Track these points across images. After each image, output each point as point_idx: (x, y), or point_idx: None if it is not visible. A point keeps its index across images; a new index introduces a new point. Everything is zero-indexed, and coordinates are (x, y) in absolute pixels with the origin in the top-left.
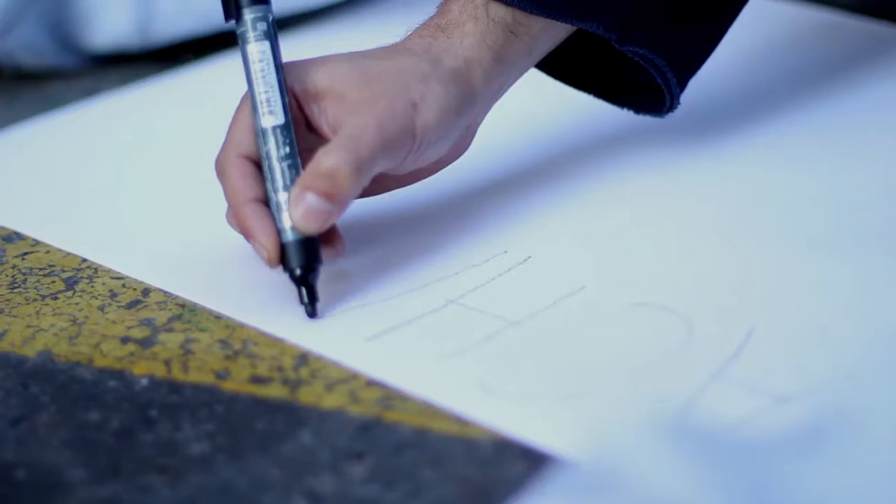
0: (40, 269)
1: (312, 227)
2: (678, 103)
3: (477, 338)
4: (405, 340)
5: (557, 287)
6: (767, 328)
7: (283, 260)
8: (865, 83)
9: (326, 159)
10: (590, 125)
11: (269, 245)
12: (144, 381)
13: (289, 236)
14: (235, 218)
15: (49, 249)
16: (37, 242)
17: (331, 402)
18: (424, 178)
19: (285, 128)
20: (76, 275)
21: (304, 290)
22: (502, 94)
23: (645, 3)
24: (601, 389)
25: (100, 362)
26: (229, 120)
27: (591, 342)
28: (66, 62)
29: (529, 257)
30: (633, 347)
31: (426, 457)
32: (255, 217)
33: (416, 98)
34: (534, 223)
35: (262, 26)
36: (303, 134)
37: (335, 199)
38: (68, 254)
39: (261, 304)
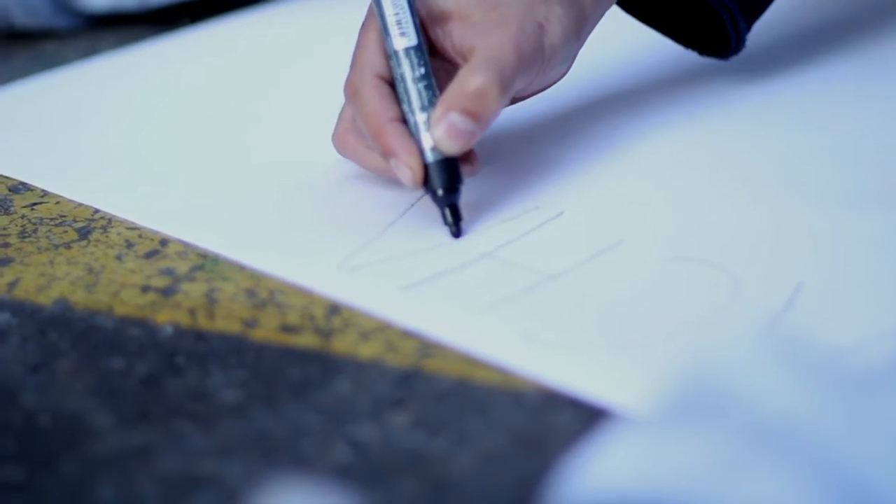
0: (51, 219)
1: (456, 147)
2: (744, 46)
3: (515, 290)
4: (440, 291)
5: (594, 242)
6: (816, 282)
7: (425, 181)
8: None
9: (473, 79)
10: (622, 77)
11: (415, 165)
12: (168, 329)
13: (429, 157)
14: (376, 139)
15: (59, 200)
16: (45, 193)
17: (367, 351)
18: (537, 92)
19: (418, 48)
20: (89, 225)
21: (447, 211)
22: (602, 16)
23: None
24: (649, 341)
25: (120, 310)
26: (228, 79)
27: (633, 296)
28: (62, 23)
29: (562, 212)
30: (678, 301)
31: (471, 406)
32: (398, 136)
33: (541, 19)
34: (565, 178)
35: None
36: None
37: (480, 117)
38: (80, 204)
39: (287, 254)
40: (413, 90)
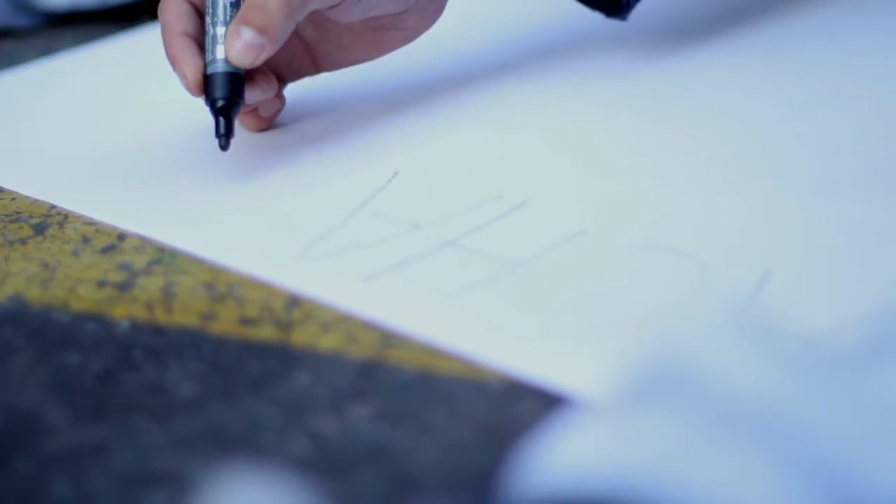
0: (6, 215)
1: (245, 60)
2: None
3: (478, 278)
4: (402, 281)
5: (558, 230)
6: (785, 269)
7: (206, 90)
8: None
9: None
10: (571, 53)
11: (190, 72)
12: (125, 324)
13: (218, 67)
14: (166, 48)
15: (14, 196)
16: (1, 189)
17: (327, 343)
18: (394, 47)
19: None
20: (45, 221)
21: (221, 121)
22: None
23: None
24: (615, 328)
25: (76, 306)
26: None
27: (599, 284)
28: (20, 22)
29: (525, 201)
30: (644, 289)
31: (433, 397)
32: (182, 48)
33: None
34: (529, 165)
35: None
36: None
37: (266, 31)
38: (35, 200)
39: (245, 247)
40: (220, 4)
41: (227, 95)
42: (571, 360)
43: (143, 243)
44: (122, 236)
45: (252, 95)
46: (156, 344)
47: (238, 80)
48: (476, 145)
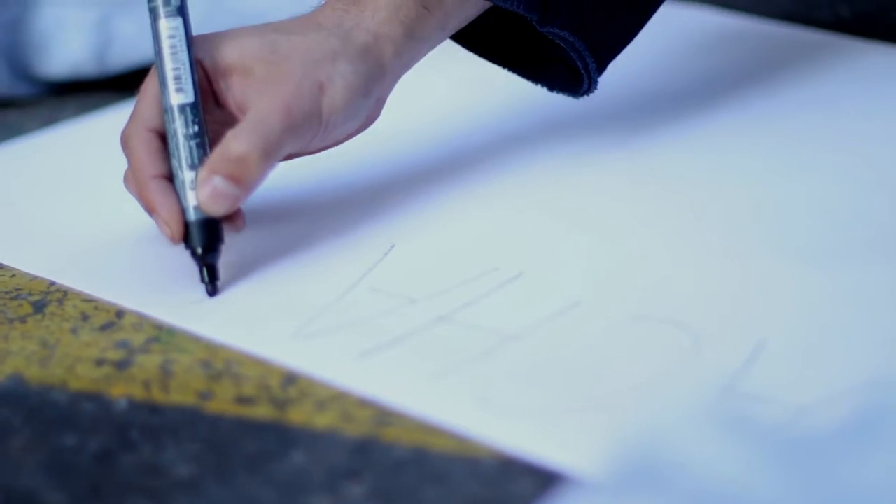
0: (6, 292)
1: (219, 210)
2: (595, 88)
3: (472, 353)
4: (397, 357)
5: (553, 302)
6: (777, 339)
7: (185, 238)
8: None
9: (235, 144)
10: (565, 125)
11: (173, 222)
12: (123, 403)
13: (192, 215)
14: (140, 193)
15: (15, 273)
16: (1, 266)
17: (322, 421)
18: (333, 146)
19: (194, 106)
20: (45, 298)
21: (205, 270)
22: (412, 66)
23: None
24: (607, 403)
25: (74, 385)
26: None
27: (593, 356)
28: (21, 90)
29: (521, 273)
30: (637, 361)
31: (427, 475)
32: (159, 193)
33: (323, 79)
34: (526, 237)
35: (175, 1)
36: (210, 108)
37: (242, 183)
38: (35, 277)
39: (243, 324)
40: (184, 147)
41: (206, 243)
42: (565, 437)
43: (141, 320)
44: (120, 313)
45: (229, 230)
46: (153, 423)
47: (214, 225)
48: (472, 217)
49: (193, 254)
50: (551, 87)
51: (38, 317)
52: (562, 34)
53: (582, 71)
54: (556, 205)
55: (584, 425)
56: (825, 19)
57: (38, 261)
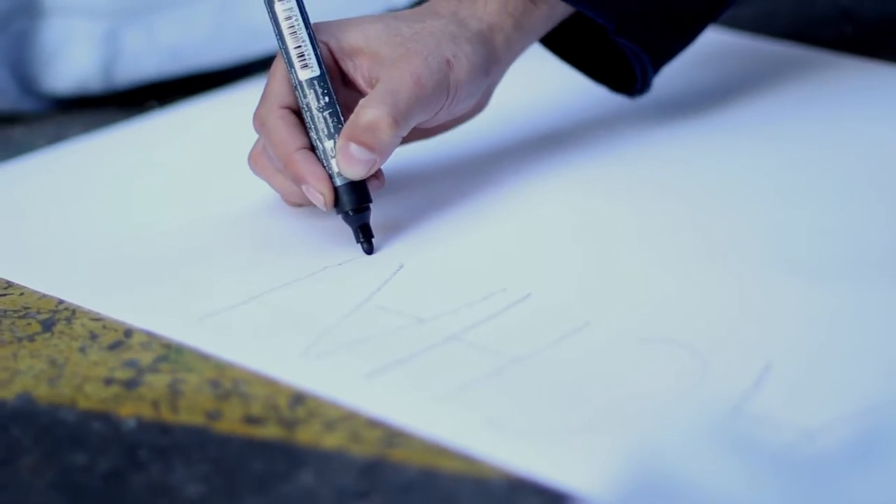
0: (15, 311)
1: (357, 174)
2: (649, 90)
3: (481, 374)
4: (405, 377)
5: (561, 323)
6: (783, 360)
7: (335, 203)
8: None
9: (366, 112)
10: (571, 143)
11: (325, 189)
12: (132, 423)
13: (337, 181)
14: (287, 167)
15: (23, 292)
16: (10, 285)
17: (331, 441)
18: (447, 130)
19: (321, 79)
20: (53, 316)
21: (359, 230)
22: (519, 56)
23: (646, 3)
24: (615, 424)
25: (83, 404)
26: (196, 163)
27: (601, 378)
28: (28, 106)
29: (530, 294)
30: (645, 383)
31: (436, 497)
32: (307, 163)
33: (449, 55)
34: (535, 257)
35: None
36: (339, 87)
37: (375, 149)
38: (44, 296)
39: (251, 343)
40: (319, 119)
41: (355, 205)
42: (574, 458)
43: (150, 339)
44: (128, 332)
45: (372, 188)
46: (162, 443)
47: (360, 186)
48: (480, 237)
49: (346, 216)
50: (613, 89)
51: (47, 335)
52: (631, 45)
53: (638, 76)
54: (564, 225)
55: (593, 446)
56: (829, 38)
57: (47, 279)
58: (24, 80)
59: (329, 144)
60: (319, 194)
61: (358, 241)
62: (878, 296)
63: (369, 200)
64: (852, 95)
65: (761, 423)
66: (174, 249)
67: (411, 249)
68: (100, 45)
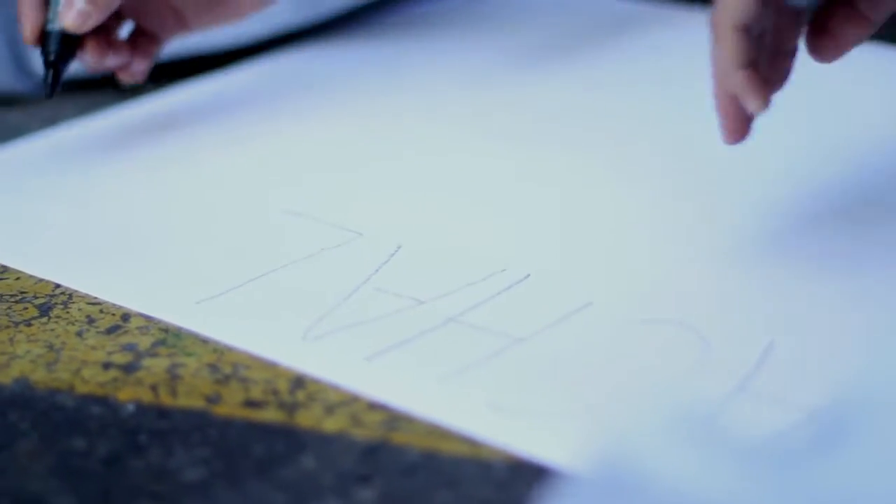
0: (11, 295)
1: (74, 26)
2: None
3: (481, 355)
4: (406, 359)
5: (562, 304)
6: (786, 340)
7: (43, 45)
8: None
9: None
10: (568, 133)
11: (28, 28)
12: (131, 407)
13: (54, 26)
14: (18, 4)
15: (19, 276)
16: (5, 269)
17: (332, 425)
18: (252, 9)
19: None
20: (50, 301)
21: (50, 73)
22: None
23: None
24: (617, 405)
25: (81, 389)
26: (191, 145)
27: (602, 358)
28: (25, 87)
29: (529, 275)
30: (647, 363)
31: (438, 479)
32: (29, 5)
33: None
34: (533, 238)
35: None
36: None
37: (95, 2)
38: (40, 280)
39: (250, 326)
40: None
41: (56, 51)
42: (575, 439)
43: (148, 323)
44: (126, 316)
45: (84, 56)
46: (161, 427)
47: (70, 39)
48: (479, 217)
49: (46, 58)
50: None
51: (44, 320)
52: None
53: None
54: (564, 205)
55: (594, 427)
56: None
57: (43, 262)
58: (21, 61)
59: None
60: (24, 30)
61: (44, 84)
62: (882, 276)
63: (73, 56)
64: (866, 81)
65: (765, 403)
66: (171, 232)
67: (409, 230)
68: None
